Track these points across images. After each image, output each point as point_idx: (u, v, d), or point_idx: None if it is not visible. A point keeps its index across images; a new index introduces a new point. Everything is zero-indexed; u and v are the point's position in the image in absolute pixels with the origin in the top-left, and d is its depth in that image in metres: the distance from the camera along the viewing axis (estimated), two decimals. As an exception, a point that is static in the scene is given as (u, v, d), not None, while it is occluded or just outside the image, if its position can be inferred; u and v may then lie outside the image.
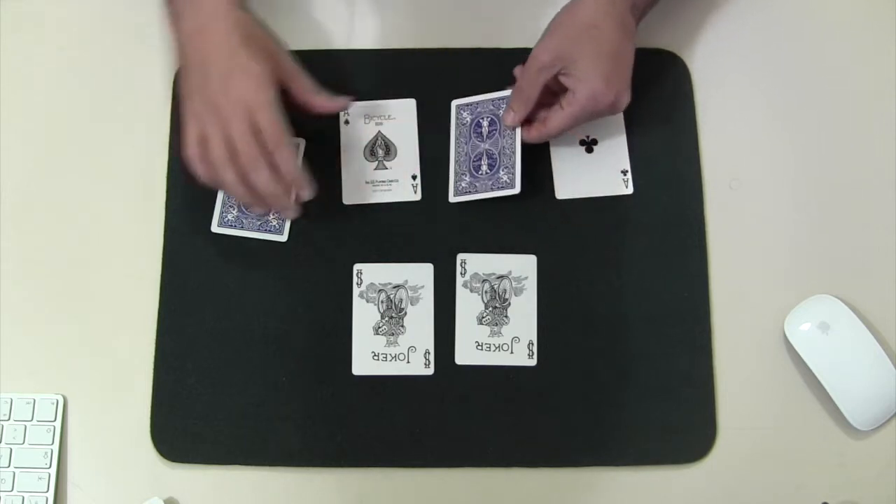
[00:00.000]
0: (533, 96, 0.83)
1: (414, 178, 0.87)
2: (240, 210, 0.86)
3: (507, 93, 0.87)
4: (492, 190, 0.86)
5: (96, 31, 0.91)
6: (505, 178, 0.85)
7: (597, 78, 0.81)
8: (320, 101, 0.83)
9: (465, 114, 0.88)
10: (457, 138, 0.88)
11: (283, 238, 0.86)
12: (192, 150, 0.79)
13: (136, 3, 0.92)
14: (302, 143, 0.87)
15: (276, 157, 0.79)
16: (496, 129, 0.87)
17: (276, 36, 0.82)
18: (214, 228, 0.86)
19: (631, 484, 0.82)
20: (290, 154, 0.80)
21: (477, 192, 0.86)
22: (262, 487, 0.82)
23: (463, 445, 0.83)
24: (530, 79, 0.83)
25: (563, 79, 0.82)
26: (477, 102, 0.88)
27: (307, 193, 0.82)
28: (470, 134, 0.87)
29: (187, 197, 0.87)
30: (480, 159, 0.86)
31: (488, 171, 0.86)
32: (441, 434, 0.83)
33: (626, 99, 0.82)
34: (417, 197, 0.87)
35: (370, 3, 0.92)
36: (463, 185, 0.86)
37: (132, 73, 0.90)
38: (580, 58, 0.81)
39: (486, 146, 0.87)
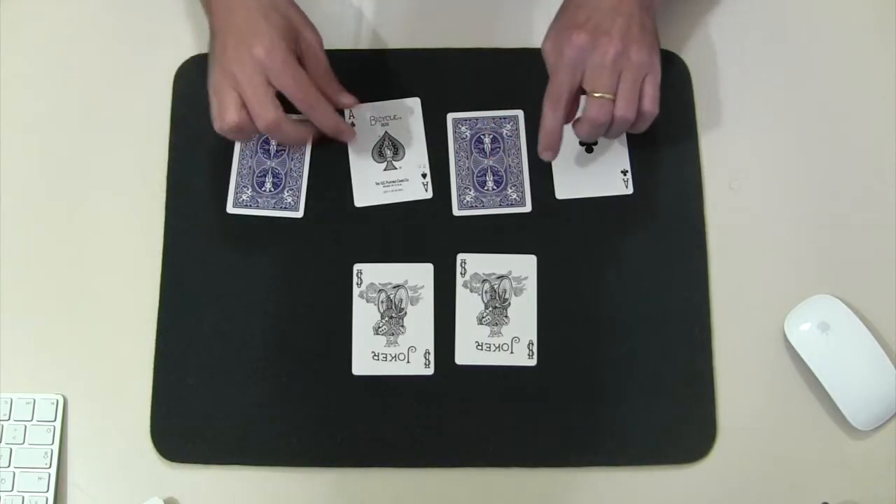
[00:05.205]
0: (558, 92, 0.80)
1: (424, 176, 0.87)
2: (254, 189, 0.86)
3: (506, 112, 0.87)
4: (500, 206, 0.86)
5: (96, 30, 0.91)
6: (514, 195, 0.86)
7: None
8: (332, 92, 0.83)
9: (463, 128, 0.88)
10: (456, 152, 0.88)
11: (299, 214, 0.86)
12: (218, 125, 0.79)
13: (136, 3, 0.92)
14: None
15: (312, 117, 0.81)
16: (500, 147, 0.87)
17: (305, 17, 0.82)
18: (230, 209, 0.86)
19: (631, 484, 0.82)
20: (328, 111, 0.82)
21: (484, 207, 0.86)
22: (262, 487, 0.82)
23: (463, 445, 0.83)
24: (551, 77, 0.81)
25: None
26: (476, 118, 0.88)
27: (350, 137, 0.86)
28: (471, 149, 0.87)
29: (188, 197, 0.87)
30: (485, 175, 0.87)
31: (494, 187, 0.86)
32: (441, 434, 0.83)
33: (577, 40, 0.77)
34: (429, 195, 0.87)
35: (371, 3, 0.92)
36: (468, 199, 0.86)
37: (132, 72, 0.90)
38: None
39: (490, 163, 0.87)
